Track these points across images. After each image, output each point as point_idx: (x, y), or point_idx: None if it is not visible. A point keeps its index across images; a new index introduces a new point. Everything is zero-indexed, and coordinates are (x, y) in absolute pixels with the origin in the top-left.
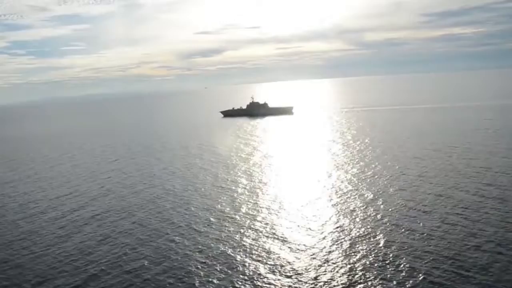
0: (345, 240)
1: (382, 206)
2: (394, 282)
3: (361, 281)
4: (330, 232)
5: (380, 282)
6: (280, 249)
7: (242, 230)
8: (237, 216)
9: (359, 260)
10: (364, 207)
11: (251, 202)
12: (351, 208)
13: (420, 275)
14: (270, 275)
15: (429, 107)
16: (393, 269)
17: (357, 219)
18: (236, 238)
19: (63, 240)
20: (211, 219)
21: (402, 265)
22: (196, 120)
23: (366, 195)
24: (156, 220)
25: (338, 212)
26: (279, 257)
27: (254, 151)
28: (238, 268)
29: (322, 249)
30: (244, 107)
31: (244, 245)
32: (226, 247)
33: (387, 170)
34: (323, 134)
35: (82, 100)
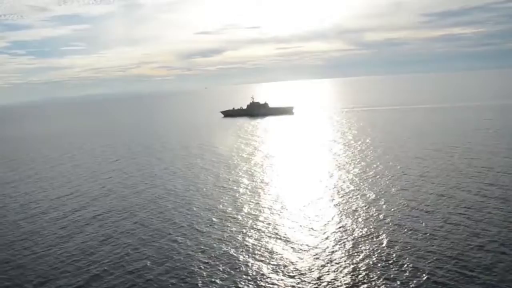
0: (348, 240)
1: (384, 206)
2: (398, 282)
3: (365, 281)
4: (333, 232)
5: (384, 282)
6: (283, 249)
7: (244, 230)
8: (239, 216)
9: (362, 260)
10: (366, 207)
11: (253, 202)
12: (353, 208)
13: (424, 275)
14: (273, 275)
15: (429, 107)
16: (396, 269)
17: (360, 219)
18: (239, 238)
19: (65, 240)
20: (213, 219)
21: (405, 265)
22: (196, 120)
23: (368, 195)
24: (158, 220)
25: (341, 212)
26: (282, 257)
27: (255, 151)
28: (241, 268)
29: (325, 249)
30: (245, 107)
31: (246, 245)
32: (229, 247)
33: (388, 170)
34: (324, 134)
35: (82, 100)
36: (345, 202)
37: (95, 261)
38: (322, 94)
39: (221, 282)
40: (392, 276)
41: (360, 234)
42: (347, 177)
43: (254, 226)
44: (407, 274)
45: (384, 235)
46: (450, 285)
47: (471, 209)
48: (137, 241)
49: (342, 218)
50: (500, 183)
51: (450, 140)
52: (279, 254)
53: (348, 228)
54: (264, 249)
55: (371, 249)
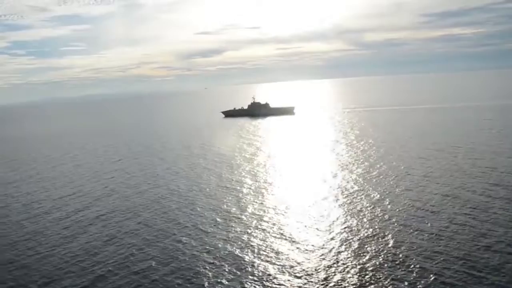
0: (353, 241)
1: (389, 206)
2: (406, 283)
3: (372, 281)
4: (338, 233)
5: (392, 282)
6: (289, 249)
7: (249, 231)
8: (243, 217)
9: (369, 260)
10: (371, 207)
11: (257, 202)
12: (358, 208)
13: (432, 275)
14: (279, 276)
15: (429, 108)
16: (404, 269)
17: (365, 219)
18: (244, 238)
19: (69, 240)
20: (218, 219)
21: (412, 266)
22: (197, 121)
23: (372, 195)
24: (162, 221)
25: (345, 212)
26: (288, 257)
27: (258, 151)
28: (247, 268)
29: (331, 250)
30: (245, 107)
31: (252, 245)
32: (234, 248)
33: (392, 170)
34: (325, 134)
35: (82, 100)
36: (350, 202)
37: (100, 261)
38: (322, 95)
39: (227, 282)
40: (399, 276)
41: (366, 234)
42: (351, 177)
43: (259, 226)
44: (414, 274)
45: (390, 235)
46: (459, 286)
47: (476, 210)
48: (141, 241)
49: (347, 218)
50: (505, 183)
51: (453, 140)
52: (285, 254)
53: (353, 228)
54: (269, 249)
55: (377, 249)
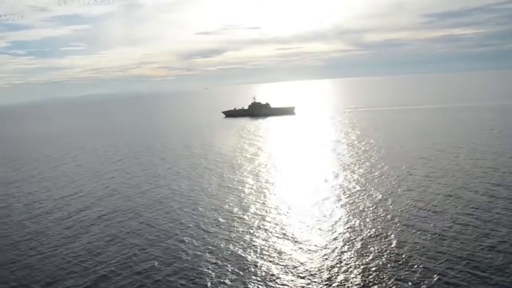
0: (356, 241)
1: (391, 207)
2: (410, 283)
3: (376, 281)
4: (341, 233)
5: (395, 282)
6: (292, 249)
7: (251, 231)
8: (245, 217)
9: (372, 260)
10: (374, 207)
11: (259, 202)
12: (361, 208)
13: (435, 275)
14: (283, 276)
15: (430, 108)
16: (407, 269)
17: (367, 220)
18: (246, 238)
19: (71, 240)
20: (220, 219)
21: (416, 266)
22: (198, 121)
23: (374, 196)
24: (164, 221)
25: (348, 212)
26: (291, 257)
27: (259, 151)
28: (250, 269)
29: (334, 250)
30: (246, 107)
31: (254, 245)
32: (237, 248)
33: (394, 171)
34: (326, 134)
35: (82, 100)
36: (352, 203)
37: (102, 261)
38: (323, 95)
39: (230, 283)
40: (403, 276)
41: (369, 234)
42: (352, 177)
43: (261, 226)
44: (418, 275)
45: (392, 235)
46: (463, 286)
47: (479, 210)
48: (143, 241)
49: (349, 219)
50: (507, 183)
51: (454, 140)
52: (288, 254)
53: (356, 228)
54: (272, 249)
55: (380, 249)
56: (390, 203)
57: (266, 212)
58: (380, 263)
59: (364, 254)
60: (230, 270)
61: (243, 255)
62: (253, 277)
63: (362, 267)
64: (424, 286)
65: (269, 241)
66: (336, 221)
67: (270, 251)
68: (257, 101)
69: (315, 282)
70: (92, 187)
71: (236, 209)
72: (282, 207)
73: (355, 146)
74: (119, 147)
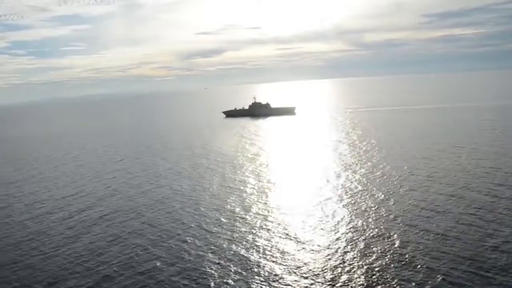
0: (359, 241)
1: (394, 207)
2: (413, 283)
3: (380, 282)
4: (344, 233)
5: (399, 282)
6: (295, 249)
7: (254, 231)
8: (247, 217)
9: (375, 260)
10: (376, 207)
11: (261, 202)
12: (363, 208)
13: (439, 275)
14: (286, 276)
15: (430, 108)
16: (411, 269)
17: (370, 220)
18: (249, 238)
19: (73, 240)
20: (222, 219)
21: (419, 266)
22: (198, 120)
23: (376, 196)
24: (166, 221)
25: (350, 212)
26: (294, 257)
27: (260, 151)
28: (253, 269)
29: (337, 250)
30: (246, 107)
31: (257, 245)
32: (239, 248)
33: (395, 171)
34: (327, 134)
35: (82, 100)
36: (354, 203)
37: (104, 261)
38: (323, 95)
39: (233, 283)
40: (406, 277)
41: (372, 234)
42: (354, 177)
43: (264, 226)
44: (421, 275)
45: (395, 235)
46: (467, 286)
47: (482, 210)
48: (146, 241)
49: (352, 219)
50: (509, 183)
51: (455, 140)
52: (291, 254)
53: (359, 228)
54: (275, 249)
55: (383, 249)
56: (392, 203)
57: (268, 212)
58: (384, 263)
59: (368, 254)
60: (233, 270)
61: (246, 255)
62: (256, 277)
63: (365, 267)
64: (428, 287)
65: (271, 241)
66: (338, 221)
67: (273, 251)
68: (257, 101)
69: (318, 282)
70: (93, 187)
71: (238, 209)
72: (284, 207)
73: (356, 146)
74: (119, 147)
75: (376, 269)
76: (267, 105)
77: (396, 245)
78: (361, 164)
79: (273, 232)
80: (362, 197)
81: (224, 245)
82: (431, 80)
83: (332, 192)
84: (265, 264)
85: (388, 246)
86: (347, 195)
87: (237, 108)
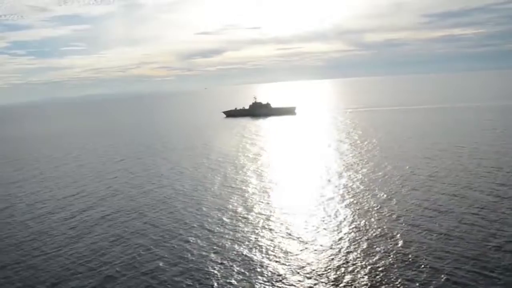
0: (362, 241)
1: (396, 206)
2: (417, 284)
3: (383, 282)
4: (347, 233)
5: (403, 282)
6: (298, 249)
7: (256, 231)
8: (250, 216)
9: (379, 260)
10: (378, 207)
11: (263, 202)
12: (366, 208)
13: (443, 275)
14: (289, 276)
15: (431, 108)
16: (414, 269)
17: (373, 219)
18: (251, 238)
19: (75, 240)
20: (224, 219)
21: (423, 266)
22: (199, 120)
23: (379, 195)
24: (168, 221)
25: (353, 212)
26: (297, 257)
27: (261, 151)
28: (256, 269)
29: (340, 250)
30: (246, 107)
31: (260, 245)
32: (242, 248)
33: (397, 170)
34: (328, 134)
35: (82, 100)
36: (356, 202)
37: (107, 262)
38: (323, 95)
39: (237, 283)
40: (410, 277)
41: (375, 234)
42: (356, 177)
43: (266, 226)
44: (425, 275)
45: (398, 235)
46: (471, 286)
47: (484, 209)
48: (148, 241)
49: (355, 218)
50: (511, 183)
51: (456, 140)
52: (294, 254)
53: (361, 228)
54: (278, 249)
55: (386, 249)
56: (394, 202)
57: (271, 212)
58: (387, 263)
59: (371, 254)
60: (236, 270)
61: (249, 255)
62: (260, 277)
63: (369, 267)
64: (432, 287)
65: (274, 241)
66: (341, 221)
67: (276, 251)
68: (258, 101)
69: (322, 282)
70: (95, 187)
71: (240, 209)
72: (286, 206)
73: (357, 146)
74: (120, 147)
75: (380, 269)
76: (268, 105)
77: (399, 245)
78: (363, 164)
79: (276, 232)
80: (364, 197)
81: (227, 245)
82: (431, 80)
83: (334, 192)
84: (269, 264)
85: (391, 246)
86: (349, 195)
87: (238, 108)
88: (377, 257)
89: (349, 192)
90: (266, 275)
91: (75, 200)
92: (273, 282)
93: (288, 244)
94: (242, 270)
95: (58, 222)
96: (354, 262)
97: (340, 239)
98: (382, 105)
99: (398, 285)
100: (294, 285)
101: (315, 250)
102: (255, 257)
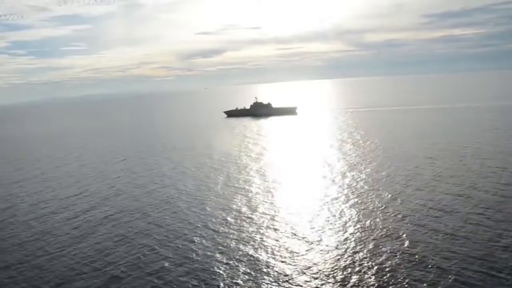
0: (368, 241)
1: (401, 207)
2: (425, 284)
3: (391, 282)
4: (352, 233)
5: (410, 283)
6: (304, 249)
7: (261, 231)
8: (254, 216)
9: (385, 260)
10: (384, 207)
11: (267, 202)
12: (371, 208)
13: (451, 275)
14: (296, 276)
15: (431, 108)
16: (422, 269)
17: (378, 219)
18: (257, 238)
19: (78, 240)
20: (229, 219)
21: (430, 266)
22: (200, 120)
23: (383, 195)
24: (172, 221)
25: (358, 212)
26: (303, 257)
27: (263, 150)
28: (262, 269)
29: (346, 250)
30: (247, 107)
31: (265, 245)
32: (248, 248)
33: (400, 170)
34: (330, 134)
35: (82, 100)
36: (361, 202)
37: (112, 262)
38: (323, 95)
39: (243, 283)
40: (417, 277)
41: (380, 234)
42: (360, 177)
43: (271, 226)
44: (432, 275)
45: (404, 235)
46: (479, 286)
47: (490, 210)
48: (152, 241)
49: (360, 218)
50: None
51: (458, 140)
52: (300, 254)
53: (367, 228)
54: (284, 249)
55: (393, 249)
56: (399, 202)
57: (275, 211)
58: (394, 263)
59: (377, 254)
60: (242, 270)
61: (254, 255)
62: (266, 277)
63: (376, 267)
64: (440, 287)
65: (280, 241)
66: (346, 221)
67: (282, 251)
68: (259, 101)
69: (329, 282)
70: (97, 187)
71: (244, 208)
72: (291, 206)
73: (360, 146)
74: (121, 147)
75: (387, 269)
76: (269, 105)
77: (405, 245)
78: (366, 164)
79: (281, 232)
80: (369, 197)
81: (232, 245)
82: (431, 80)
83: (338, 191)
84: (275, 264)
85: (397, 246)
86: (353, 194)
87: (239, 108)
88: (383, 257)
89: (353, 192)
90: (272, 275)
91: (78, 200)
92: (280, 282)
93: (293, 244)
94: (248, 270)
95: (61, 222)
96: (361, 263)
97: (346, 239)
98: (382, 105)
99: (406, 286)
100: (301, 286)
101: (321, 250)
102: (261, 257)
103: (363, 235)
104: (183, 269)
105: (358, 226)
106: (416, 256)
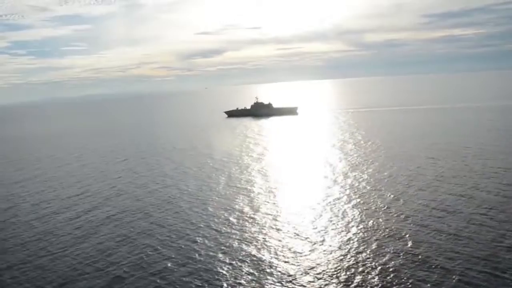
0: (372, 241)
1: (404, 207)
2: (429, 285)
3: (394, 282)
4: (355, 233)
5: (414, 283)
6: (307, 249)
7: (264, 231)
8: (256, 217)
9: (389, 261)
10: (386, 207)
11: (269, 202)
12: (373, 208)
13: (455, 276)
14: (300, 276)
15: (431, 108)
16: (425, 270)
17: (381, 220)
18: (259, 238)
19: (81, 241)
20: (231, 219)
21: (434, 266)
22: (200, 120)
23: (386, 196)
24: (175, 221)
25: (360, 212)
26: (306, 258)
27: (265, 150)
28: (266, 269)
29: (350, 250)
30: (248, 107)
31: (268, 246)
32: (251, 248)
33: (402, 171)
34: (331, 134)
35: (82, 100)
36: (363, 203)
37: (114, 262)
38: (324, 95)
39: (246, 283)
40: (422, 277)
41: (383, 234)
42: (362, 177)
43: (274, 226)
44: (436, 275)
45: (407, 235)
46: (483, 287)
47: (493, 210)
48: (155, 241)
49: (363, 219)
50: None
51: (460, 140)
52: (304, 255)
53: (370, 228)
54: (287, 249)
55: (396, 249)
56: (402, 203)
57: (277, 212)
58: (397, 263)
59: (381, 255)
60: (245, 271)
61: (257, 255)
62: (269, 277)
63: (379, 267)
64: (444, 287)
65: (282, 241)
66: (349, 221)
67: (285, 252)
68: (259, 101)
69: (333, 282)
70: (99, 187)
71: (246, 209)
72: (293, 206)
73: (361, 146)
74: (122, 147)
75: (391, 269)
76: (269, 105)
77: (408, 245)
78: (368, 164)
79: (284, 232)
80: (371, 197)
81: (235, 245)
82: (431, 80)
83: (341, 192)
84: (278, 264)
85: (401, 246)
86: (355, 195)
87: (239, 108)
88: (387, 258)
89: (355, 192)
90: (276, 276)
91: (80, 200)
92: (283, 282)
93: (296, 244)
94: (251, 271)
95: (63, 222)
96: (364, 263)
97: (349, 239)
98: (382, 106)
99: (410, 286)
100: (305, 286)
101: (324, 250)
102: (264, 257)
103: (366, 235)
104: (186, 269)
105: (361, 226)
106: (420, 257)
